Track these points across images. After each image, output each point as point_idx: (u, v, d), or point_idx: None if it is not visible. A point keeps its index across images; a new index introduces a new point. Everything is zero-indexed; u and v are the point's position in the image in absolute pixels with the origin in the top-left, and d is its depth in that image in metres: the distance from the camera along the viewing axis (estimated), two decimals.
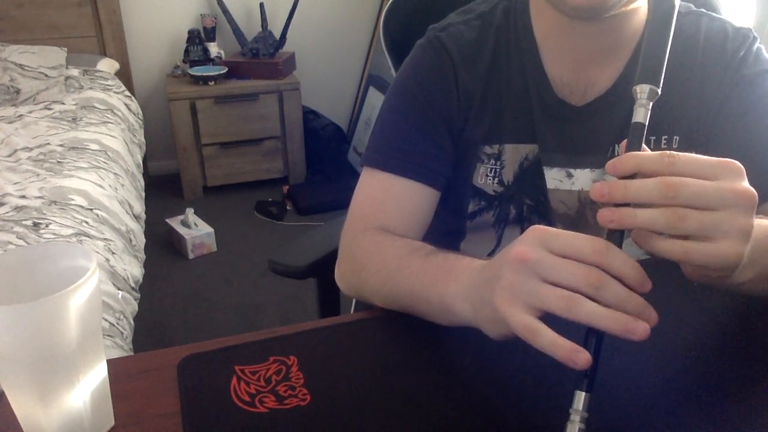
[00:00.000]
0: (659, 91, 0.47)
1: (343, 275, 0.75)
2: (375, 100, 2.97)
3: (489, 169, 0.78)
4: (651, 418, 0.51)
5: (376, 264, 0.67)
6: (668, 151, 0.43)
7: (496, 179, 0.78)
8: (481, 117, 0.76)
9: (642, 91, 0.47)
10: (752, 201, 0.43)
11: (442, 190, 0.77)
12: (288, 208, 2.74)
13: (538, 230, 0.46)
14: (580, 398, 0.42)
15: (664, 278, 0.69)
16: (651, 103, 0.47)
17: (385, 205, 0.74)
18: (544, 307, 0.43)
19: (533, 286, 0.44)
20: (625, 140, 0.47)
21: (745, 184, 0.43)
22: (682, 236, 0.43)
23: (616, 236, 0.44)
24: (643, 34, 0.73)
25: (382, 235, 0.70)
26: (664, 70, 0.48)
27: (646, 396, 0.53)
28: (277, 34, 2.84)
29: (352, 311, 1.03)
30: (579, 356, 0.41)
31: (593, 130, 0.75)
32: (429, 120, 0.75)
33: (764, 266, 0.52)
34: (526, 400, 0.53)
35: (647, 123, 0.46)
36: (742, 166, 0.44)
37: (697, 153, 0.79)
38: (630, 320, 0.41)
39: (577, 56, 0.73)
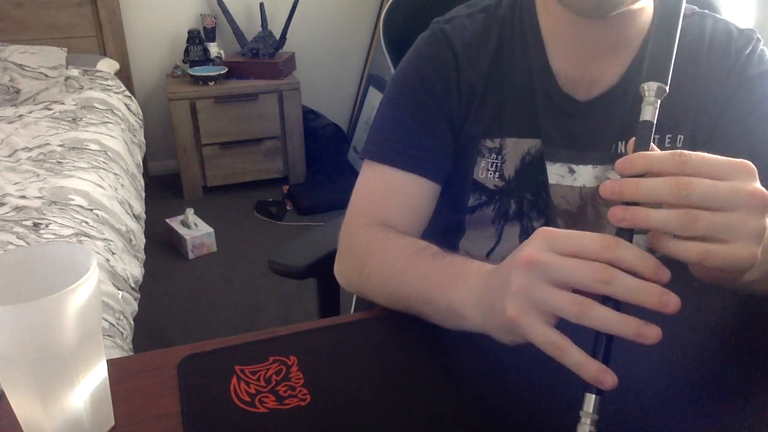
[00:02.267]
0: (667, 89, 0.46)
1: (343, 271, 0.74)
2: (375, 100, 2.97)
3: (490, 164, 0.78)
4: (652, 418, 0.51)
5: (379, 262, 0.67)
6: (680, 150, 0.43)
7: (497, 173, 0.78)
8: (482, 110, 0.76)
9: (650, 89, 0.46)
10: (765, 202, 0.42)
11: (443, 184, 0.77)
12: (288, 208, 2.74)
13: (545, 232, 0.45)
14: (591, 401, 0.42)
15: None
16: (659, 101, 0.46)
17: (386, 200, 0.74)
18: (556, 313, 0.43)
19: (544, 291, 0.43)
20: (633, 138, 0.46)
21: (758, 184, 0.43)
22: (691, 237, 0.42)
23: (626, 234, 0.43)
24: (650, 32, 0.74)
25: (385, 232, 0.70)
26: (671, 68, 0.47)
27: (647, 396, 0.53)
28: (277, 34, 2.84)
29: (352, 311, 1.03)
30: (606, 378, 0.41)
31: (597, 126, 0.75)
32: (429, 113, 0.75)
33: None
34: (527, 400, 0.53)
35: (655, 121, 0.46)
36: (754, 167, 0.43)
37: (701, 152, 0.78)
38: (641, 325, 0.40)
39: (582, 51, 0.73)
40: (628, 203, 0.43)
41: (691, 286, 0.68)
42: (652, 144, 0.46)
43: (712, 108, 0.75)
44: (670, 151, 0.43)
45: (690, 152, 0.43)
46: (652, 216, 0.42)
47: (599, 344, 0.42)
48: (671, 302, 0.40)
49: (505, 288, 0.46)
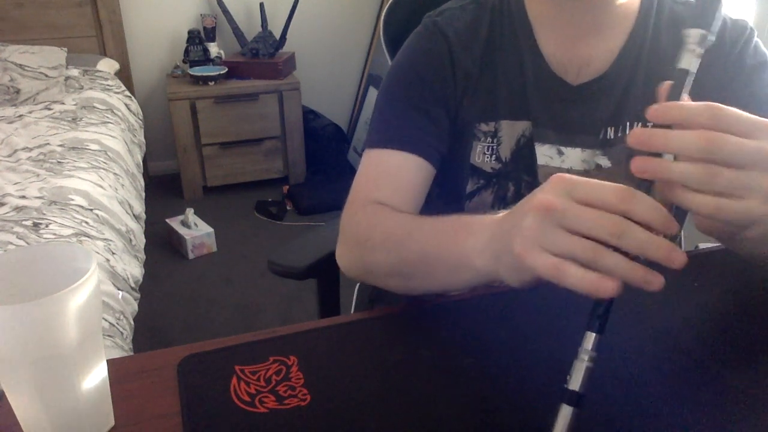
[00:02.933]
0: (713, 38, 0.45)
1: (344, 253, 0.73)
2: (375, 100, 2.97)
3: (486, 147, 0.79)
4: (652, 418, 0.51)
5: (381, 234, 0.67)
6: (714, 103, 0.43)
7: (494, 156, 0.79)
8: (476, 95, 0.78)
9: (691, 35, 0.45)
10: None
11: (437, 166, 0.77)
12: (288, 208, 2.74)
13: (561, 178, 0.45)
14: (590, 339, 0.43)
15: (665, 280, 0.69)
16: (701, 50, 0.45)
17: (380, 180, 0.75)
18: (568, 254, 0.43)
19: (557, 236, 0.43)
20: (667, 83, 0.46)
21: None
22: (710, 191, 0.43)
23: (645, 187, 0.44)
24: (638, 19, 0.75)
25: (382, 209, 0.70)
26: (719, 20, 0.46)
27: (647, 396, 0.53)
28: (277, 34, 2.84)
29: (352, 311, 1.03)
30: (606, 285, 0.41)
31: (587, 110, 0.76)
32: (424, 99, 0.77)
33: None
34: (525, 400, 0.53)
35: (695, 71, 0.45)
36: None
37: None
38: (647, 272, 0.42)
39: (569, 31, 0.75)
40: (650, 154, 0.43)
41: (692, 285, 0.69)
42: (686, 95, 0.45)
43: (707, 99, 0.75)
44: (704, 103, 0.43)
45: (723, 106, 0.43)
46: (674, 168, 0.42)
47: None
48: (678, 258, 0.41)
49: (517, 230, 0.46)
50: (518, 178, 0.79)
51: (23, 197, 1.59)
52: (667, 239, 0.42)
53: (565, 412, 0.43)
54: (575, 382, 0.43)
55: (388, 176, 0.75)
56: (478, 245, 0.53)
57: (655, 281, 0.42)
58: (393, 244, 0.64)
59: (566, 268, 0.43)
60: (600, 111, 0.76)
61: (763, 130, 0.43)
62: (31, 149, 1.90)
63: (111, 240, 1.56)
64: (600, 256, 0.42)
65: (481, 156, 0.79)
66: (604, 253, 0.42)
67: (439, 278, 0.60)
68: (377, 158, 0.76)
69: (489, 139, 0.78)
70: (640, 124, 0.76)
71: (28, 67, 2.32)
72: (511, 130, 0.78)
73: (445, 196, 0.83)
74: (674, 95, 0.45)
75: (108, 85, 2.47)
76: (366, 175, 0.76)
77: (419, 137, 0.75)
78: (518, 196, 0.80)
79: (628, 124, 0.77)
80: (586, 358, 0.43)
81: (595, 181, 0.44)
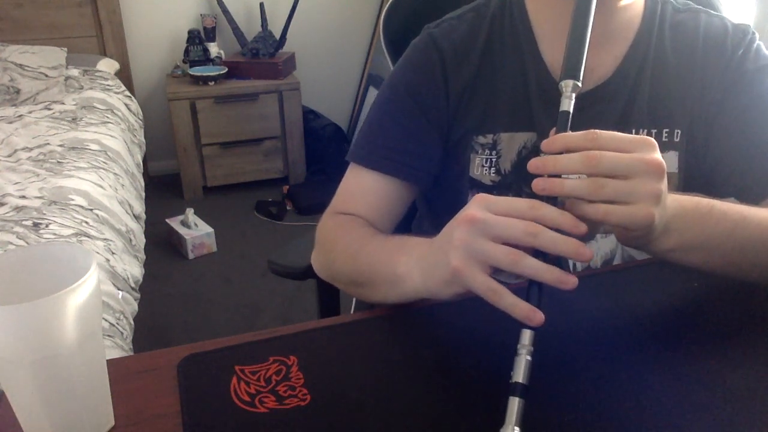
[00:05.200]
0: (580, 84, 0.55)
1: (316, 257, 0.78)
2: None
3: (484, 160, 0.79)
4: (652, 418, 0.51)
5: (342, 246, 0.72)
6: (591, 130, 0.50)
7: (493, 169, 0.79)
8: (472, 108, 0.77)
9: (566, 85, 0.54)
10: (660, 169, 0.49)
11: (422, 183, 0.79)
12: (288, 208, 2.74)
13: (481, 196, 0.51)
14: (526, 335, 0.48)
15: (666, 280, 0.69)
16: (575, 94, 0.54)
17: (357, 196, 0.78)
18: (494, 263, 0.49)
19: (483, 244, 0.49)
20: (555, 128, 0.53)
21: (656, 155, 0.50)
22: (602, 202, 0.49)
23: (551, 202, 0.50)
24: (640, 27, 0.76)
25: (350, 222, 0.75)
26: (583, 64, 0.55)
27: (647, 396, 0.53)
28: (277, 34, 2.84)
29: (352, 311, 1.03)
30: (535, 315, 0.47)
31: (592, 119, 0.76)
32: (414, 119, 0.77)
33: (690, 236, 0.57)
34: (525, 400, 0.53)
35: (571, 111, 0.54)
36: (654, 141, 0.50)
37: (699, 148, 0.79)
38: (563, 274, 0.47)
39: None
40: (551, 175, 0.50)
41: (692, 285, 0.69)
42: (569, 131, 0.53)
43: (710, 103, 0.75)
44: (583, 132, 0.50)
45: (600, 131, 0.50)
46: (566, 184, 0.49)
47: (532, 292, 0.49)
48: (585, 253, 0.47)
49: (448, 244, 0.52)
50: (518, 189, 0.79)
51: (23, 197, 1.59)
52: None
53: (513, 404, 0.46)
54: (518, 375, 0.47)
55: (363, 195, 0.78)
56: (410, 264, 0.59)
57: (569, 281, 0.47)
58: (349, 256, 0.70)
59: (503, 292, 0.48)
60: (606, 117, 0.76)
61: (638, 144, 0.50)
62: (31, 149, 1.90)
63: (111, 240, 1.56)
64: (521, 258, 0.48)
65: (479, 169, 0.79)
66: (524, 257, 0.48)
67: (382, 291, 0.64)
68: (358, 175, 0.79)
69: (487, 152, 0.78)
70: (645, 131, 0.76)
71: (28, 67, 2.32)
72: (511, 142, 0.77)
73: (447, 208, 0.83)
74: (561, 130, 0.52)
75: (108, 85, 2.47)
76: (346, 189, 0.80)
77: (401, 159, 0.77)
78: None
79: (633, 131, 0.76)
80: (524, 352, 0.47)
81: (509, 197, 0.50)
